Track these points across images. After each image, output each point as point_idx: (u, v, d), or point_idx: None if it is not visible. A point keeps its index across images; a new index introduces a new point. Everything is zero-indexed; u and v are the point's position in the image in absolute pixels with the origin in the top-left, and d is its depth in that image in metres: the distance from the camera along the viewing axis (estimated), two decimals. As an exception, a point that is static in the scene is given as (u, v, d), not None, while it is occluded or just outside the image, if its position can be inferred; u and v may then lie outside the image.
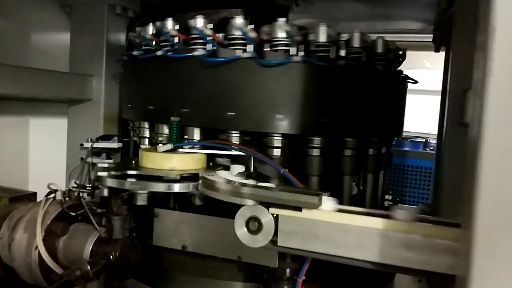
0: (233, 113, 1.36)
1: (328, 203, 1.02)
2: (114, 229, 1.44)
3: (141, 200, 1.31)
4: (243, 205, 1.08)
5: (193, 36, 1.45)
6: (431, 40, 2.49)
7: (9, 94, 1.72)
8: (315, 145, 1.42)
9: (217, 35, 1.43)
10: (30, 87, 1.76)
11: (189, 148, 1.43)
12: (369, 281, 1.45)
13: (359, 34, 1.45)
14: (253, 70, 1.36)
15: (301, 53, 1.38)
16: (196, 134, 1.48)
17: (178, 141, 1.41)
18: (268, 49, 1.37)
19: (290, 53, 1.37)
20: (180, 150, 1.43)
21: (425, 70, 4.80)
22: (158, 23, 1.52)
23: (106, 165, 1.53)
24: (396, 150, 3.68)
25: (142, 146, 1.68)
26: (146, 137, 1.69)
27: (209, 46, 1.42)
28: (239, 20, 1.37)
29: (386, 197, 1.99)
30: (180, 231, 1.35)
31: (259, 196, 1.05)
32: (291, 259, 1.24)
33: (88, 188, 1.53)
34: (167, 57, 1.46)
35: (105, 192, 1.34)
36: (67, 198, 1.55)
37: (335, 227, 1.00)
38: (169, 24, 1.49)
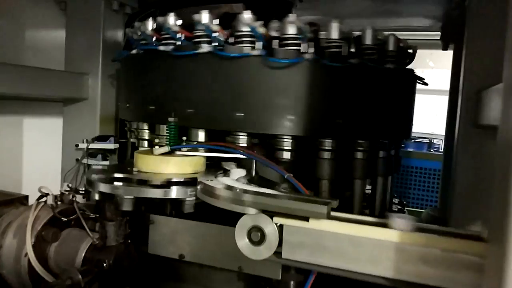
0: (242, 114, 1.29)
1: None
2: (108, 236, 1.38)
3: (127, 206, 1.23)
4: (244, 214, 1.00)
5: (198, 32, 1.37)
6: (439, 38, 2.42)
7: (2, 93, 1.67)
8: (326, 148, 1.35)
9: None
10: (24, 86, 1.71)
11: (187, 151, 1.35)
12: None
13: (371, 30, 1.38)
14: (263, 68, 1.28)
15: (311, 50, 1.32)
16: (201, 136, 1.41)
17: (175, 143, 1.33)
18: (277, 46, 1.30)
19: (301, 50, 1.29)
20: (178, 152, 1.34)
21: (428, 69, 4.72)
22: (159, 18, 1.43)
23: (100, 167, 1.46)
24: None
25: (140, 149, 1.60)
26: (145, 139, 1.61)
27: (214, 43, 1.34)
28: (247, 15, 1.28)
29: (393, 200, 1.92)
30: (177, 239, 1.28)
31: (262, 204, 0.97)
32: (295, 271, 1.16)
33: (81, 191, 1.45)
34: (169, 54, 1.38)
35: (96, 196, 1.26)
36: (59, 202, 1.49)
37: (345, 239, 0.92)
38: (171, 19, 1.40)
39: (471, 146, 1.43)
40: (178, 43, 1.42)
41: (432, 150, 4.34)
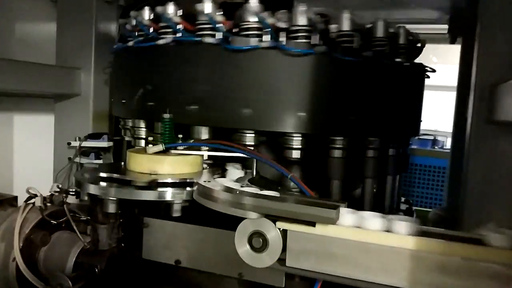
0: (250, 110, 1.21)
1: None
2: (100, 240, 1.33)
3: (111, 208, 1.16)
4: (245, 218, 0.92)
5: (200, 23, 1.28)
6: (444, 31, 2.35)
7: (-9, 88, 1.63)
8: (338, 146, 1.29)
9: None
10: (13, 81, 1.66)
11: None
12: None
13: (383, 23, 1.32)
14: (272, 61, 1.22)
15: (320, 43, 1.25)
16: (205, 134, 1.33)
17: (170, 141, 1.24)
18: (285, 38, 1.23)
19: (312, 43, 1.22)
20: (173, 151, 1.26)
21: (431, 65, 4.63)
22: (158, 8, 1.34)
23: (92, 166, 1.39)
24: (404, 149, 3.52)
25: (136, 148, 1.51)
26: (142, 138, 1.52)
27: (218, 35, 1.25)
28: (254, 4, 1.20)
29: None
30: (173, 243, 1.21)
31: (264, 208, 0.89)
32: (300, 278, 1.08)
33: (71, 192, 1.37)
34: (169, 46, 1.29)
35: (86, 197, 1.19)
36: (48, 204, 1.42)
37: (355, 246, 0.85)
38: (171, 9, 1.31)
39: (484, 143, 1.39)
40: (179, 34, 1.32)
41: (436, 147, 4.26)
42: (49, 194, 1.43)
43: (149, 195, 1.11)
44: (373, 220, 0.85)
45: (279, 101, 1.22)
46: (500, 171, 1.33)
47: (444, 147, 4.55)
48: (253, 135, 1.27)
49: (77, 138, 1.84)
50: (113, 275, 1.29)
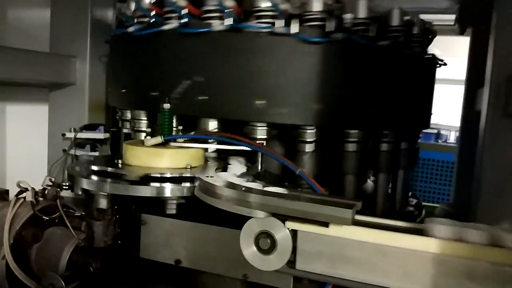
0: (264, 102, 1.14)
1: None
2: (96, 236, 1.26)
3: (103, 204, 1.12)
4: (251, 217, 0.85)
5: (208, 7, 1.21)
6: (453, 22, 2.29)
7: (-18, 76, 1.59)
8: (353, 139, 1.25)
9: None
10: (6, 69, 1.61)
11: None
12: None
13: (399, 11, 1.28)
14: (286, 49, 1.16)
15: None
16: (213, 127, 1.27)
17: (170, 133, 1.17)
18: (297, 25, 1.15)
19: (327, 30, 1.16)
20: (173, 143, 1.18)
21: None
22: None
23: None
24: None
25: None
26: (142, 131, 1.43)
27: (227, 20, 1.17)
28: None
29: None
30: (172, 242, 1.14)
31: (273, 206, 0.82)
32: (309, 281, 1.01)
33: (65, 186, 1.30)
34: (174, 32, 1.21)
35: (79, 192, 1.13)
36: (41, 198, 1.35)
37: (372, 248, 0.79)
38: None
39: (500, 137, 1.35)
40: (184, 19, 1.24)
41: (440, 140, 4.20)
42: (42, 188, 1.37)
43: (144, 191, 1.04)
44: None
45: (295, 92, 1.16)
46: (518, 166, 1.29)
47: (448, 141, 4.50)
48: (265, 128, 1.21)
49: (72, 129, 1.78)
50: (109, 274, 1.23)
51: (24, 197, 1.34)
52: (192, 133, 1.25)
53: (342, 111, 1.20)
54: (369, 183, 1.53)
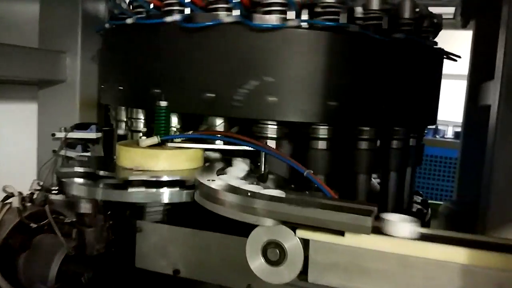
0: (275, 99, 1.07)
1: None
2: (87, 244, 1.17)
3: (84, 208, 1.06)
4: (257, 225, 0.77)
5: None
6: (452, 16, 2.25)
7: (-33, 73, 1.54)
8: (365, 137, 1.20)
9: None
10: None
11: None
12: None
13: (410, 2, 1.21)
14: (299, 42, 1.09)
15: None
16: (219, 126, 1.19)
17: (167, 132, 1.09)
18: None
19: (340, 22, 1.11)
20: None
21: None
22: None
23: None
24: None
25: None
26: (139, 131, 1.34)
27: (235, 12, 1.11)
28: None
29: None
30: (170, 250, 1.06)
31: (282, 213, 0.74)
32: (319, 291, 0.94)
33: (54, 191, 1.22)
34: (176, 24, 1.13)
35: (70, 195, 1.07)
36: (28, 204, 1.27)
37: (394, 259, 0.71)
38: None
39: None
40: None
41: (437, 136, 4.16)
42: (29, 192, 1.29)
43: (137, 196, 0.97)
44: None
45: (307, 87, 1.10)
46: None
47: (445, 136, 4.46)
48: (275, 127, 1.13)
49: (63, 128, 1.73)
50: (102, 285, 1.15)
51: (11, 203, 1.27)
52: (190, 132, 1.18)
53: (355, 107, 1.15)
54: (374, 182, 1.48)
